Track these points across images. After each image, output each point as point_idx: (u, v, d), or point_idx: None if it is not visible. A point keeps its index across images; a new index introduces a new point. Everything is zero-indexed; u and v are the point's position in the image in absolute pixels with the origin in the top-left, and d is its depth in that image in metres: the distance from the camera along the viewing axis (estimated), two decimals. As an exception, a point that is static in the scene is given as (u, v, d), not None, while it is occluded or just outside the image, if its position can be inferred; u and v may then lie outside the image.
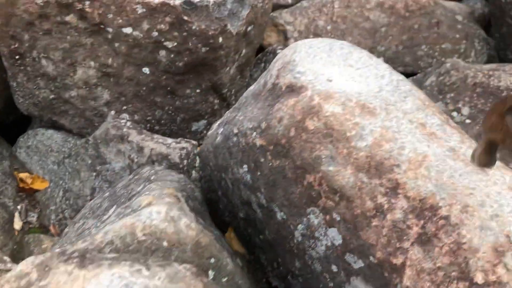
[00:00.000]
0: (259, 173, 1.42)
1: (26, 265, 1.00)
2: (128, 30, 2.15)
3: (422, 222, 1.09)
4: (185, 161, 2.20)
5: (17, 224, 2.35)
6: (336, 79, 1.41)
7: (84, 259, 0.99)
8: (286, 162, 1.33)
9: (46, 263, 0.99)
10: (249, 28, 2.43)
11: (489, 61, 3.12)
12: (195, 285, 0.97)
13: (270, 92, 1.46)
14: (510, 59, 2.86)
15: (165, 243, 1.10)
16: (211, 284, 1.02)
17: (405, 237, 1.09)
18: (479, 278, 0.98)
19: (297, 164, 1.30)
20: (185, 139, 2.23)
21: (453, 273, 1.01)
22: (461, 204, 1.07)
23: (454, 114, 2.45)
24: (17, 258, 2.11)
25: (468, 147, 1.27)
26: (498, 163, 1.26)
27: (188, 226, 1.14)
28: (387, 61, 2.93)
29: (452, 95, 2.47)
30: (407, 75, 2.99)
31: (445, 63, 2.55)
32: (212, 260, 1.16)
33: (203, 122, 2.54)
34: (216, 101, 2.52)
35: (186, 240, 1.12)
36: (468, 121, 2.42)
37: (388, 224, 1.12)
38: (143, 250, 1.08)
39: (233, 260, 1.27)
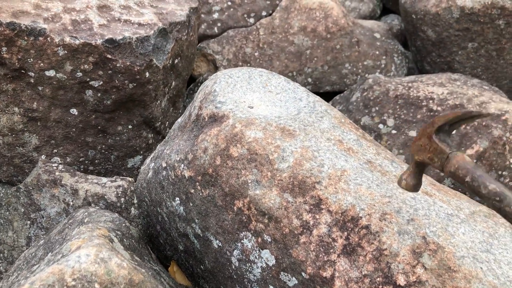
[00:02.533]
0: (191, 204, 1.44)
1: None
2: (51, 73, 2.13)
3: (345, 233, 1.13)
4: (122, 199, 2.18)
5: None
6: (257, 105, 1.46)
7: (10, 313, 0.96)
8: (215, 191, 1.35)
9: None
10: (176, 61, 2.47)
11: (409, 73, 3.32)
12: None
13: (195, 123, 1.49)
14: (427, 70, 3.05)
15: (96, 285, 1.08)
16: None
17: (331, 250, 1.13)
18: (401, 280, 1.03)
19: (226, 191, 1.32)
20: (120, 177, 2.21)
21: (378, 279, 1.06)
22: (379, 213, 1.13)
23: (381, 126, 2.58)
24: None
25: (383, 158, 1.35)
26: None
27: (119, 265, 1.13)
28: (314, 81, 3.05)
29: (376, 108, 2.60)
30: (335, 93, 3.12)
31: (367, 79, 2.69)
32: (147, 297, 1.15)
33: (138, 157, 2.52)
34: (150, 135, 2.51)
35: (119, 280, 1.11)
36: (394, 131, 2.55)
37: (315, 239, 1.16)
38: (74, 296, 1.06)
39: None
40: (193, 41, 2.65)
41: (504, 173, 2.38)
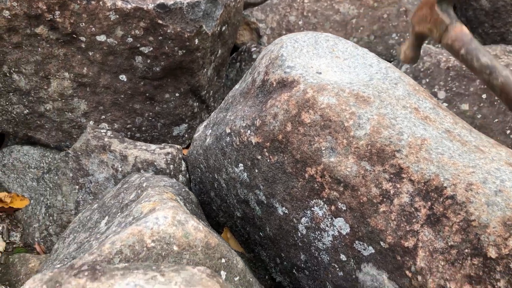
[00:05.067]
0: (256, 171, 1.42)
1: (34, 282, 0.96)
2: (102, 37, 2.11)
3: (429, 203, 1.10)
4: (171, 166, 2.17)
5: (0, 245, 2.27)
6: (325, 70, 1.41)
7: (95, 271, 0.96)
8: (285, 157, 1.32)
9: (56, 279, 0.95)
10: (223, 28, 2.42)
11: (456, 45, 3.21)
12: (212, 286, 0.95)
13: (260, 89, 1.46)
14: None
15: (175, 248, 1.07)
16: (226, 284, 1.01)
17: (414, 220, 1.11)
18: (492, 253, 1.00)
19: (297, 158, 1.30)
20: (169, 144, 2.20)
21: (466, 250, 1.03)
22: (465, 183, 1.10)
23: (430, 99, 2.51)
24: (3, 280, 2.04)
25: (461, 127, 1.30)
26: (492, 141, 1.30)
27: (196, 228, 1.12)
28: (359, 52, 2.98)
29: (427, 80, 2.52)
30: (380, 64, 3.04)
31: (417, 50, 2.60)
32: (223, 260, 1.14)
33: (184, 126, 2.51)
34: (196, 103, 2.49)
35: (196, 243, 1.10)
36: (445, 104, 2.48)
37: (396, 208, 1.13)
38: (154, 257, 1.05)
39: (242, 259, 1.26)
40: (240, 8, 2.59)
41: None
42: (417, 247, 1.08)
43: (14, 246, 2.29)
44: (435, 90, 2.50)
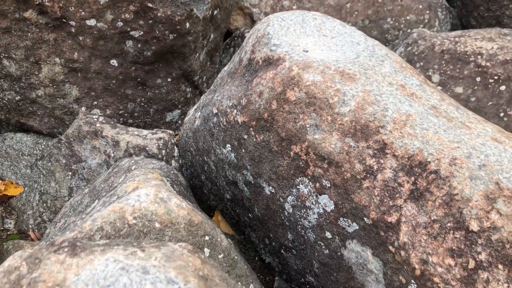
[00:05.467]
0: (243, 151, 1.41)
1: (14, 259, 0.96)
2: (92, 22, 2.09)
3: (413, 178, 1.09)
4: (164, 151, 2.17)
5: (-6, 233, 2.27)
6: (312, 49, 1.40)
7: (75, 247, 0.96)
8: (270, 136, 1.31)
9: (36, 255, 0.95)
10: (215, 12, 2.40)
11: (452, 29, 3.18)
12: (194, 262, 0.95)
13: (247, 68, 1.44)
14: (473, 26, 2.92)
15: (157, 225, 1.07)
16: (208, 261, 1.00)
17: (397, 195, 1.10)
18: (474, 226, 0.99)
19: (282, 136, 1.29)
20: (161, 129, 2.19)
21: (449, 224, 1.02)
22: (449, 158, 1.08)
23: (425, 82, 2.49)
24: (-3, 266, 2.04)
25: (448, 104, 1.28)
26: (479, 117, 1.28)
27: (179, 205, 1.11)
28: (354, 37, 2.95)
29: (421, 64, 2.50)
30: (375, 49, 3.02)
31: (412, 33, 2.59)
32: (207, 238, 1.14)
33: (177, 111, 2.50)
34: (189, 89, 2.48)
35: (179, 220, 1.09)
36: (439, 87, 2.46)
37: (379, 184, 1.12)
38: (135, 233, 1.05)
39: (226, 237, 1.25)
40: (232, -8, 2.57)
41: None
42: (400, 222, 1.07)
43: (8, 233, 2.30)
44: (429, 73, 2.48)
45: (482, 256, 0.96)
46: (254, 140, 1.35)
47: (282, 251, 1.46)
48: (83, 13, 2.07)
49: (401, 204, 1.08)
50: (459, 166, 1.07)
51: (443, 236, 1.00)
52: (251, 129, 1.35)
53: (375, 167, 1.13)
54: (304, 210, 1.28)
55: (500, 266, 0.94)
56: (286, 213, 1.35)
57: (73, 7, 2.05)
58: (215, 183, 1.70)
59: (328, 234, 1.24)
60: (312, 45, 1.42)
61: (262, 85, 1.32)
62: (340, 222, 1.20)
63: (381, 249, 1.11)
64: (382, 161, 1.13)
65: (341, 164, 1.18)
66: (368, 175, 1.14)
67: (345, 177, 1.17)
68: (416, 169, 1.09)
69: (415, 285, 1.04)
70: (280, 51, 1.35)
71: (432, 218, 1.04)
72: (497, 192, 1.01)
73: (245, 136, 1.38)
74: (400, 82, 1.28)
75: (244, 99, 1.37)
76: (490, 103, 2.34)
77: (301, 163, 1.26)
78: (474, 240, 0.98)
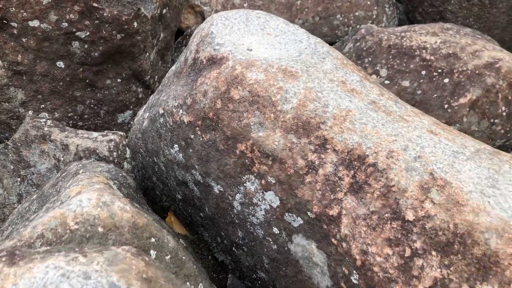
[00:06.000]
0: (190, 150, 1.41)
1: (-51, 272, 0.92)
2: (35, 23, 2.04)
3: (352, 172, 1.12)
4: (115, 153, 2.13)
5: None
6: (256, 47, 1.41)
7: (13, 256, 0.94)
8: (216, 135, 1.32)
9: (-28, 267, 0.92)
10: (164, 11, 2.38)
11: (400, 24, 3.27)
12: (137, 265, 0.94)
13: (192, 67, 1.44)
14: (419, 21, 3.02)
15: (100, 229, 1.06)
16: (153, 263, 1.00)
17: (338, 189, 1.12)
18: (410, 216, 1.03)
19: (228, 134, 1.30)
20: (112, 131, 2.16)
21: (386, 215, 1.05)
22: (386, 151, 1.12)
23: (373, 77, 2.55)
24: None
25: (387, 98, 1.32)
26: (417, 110, 1.33)
27: (122, 209, 1.10)
28: (305, 33, 2.99)
29: (370, 59, 2.57)
30: (326, 45, 3.07)
31: (360, 29, 2.64)
32: (153, 240, 1.14)
33: (128, 112, 2.47)
34: (140, 89, 2.45)
35: (122, 223, 1.08)
36: (386, 82, 2.52)
37: (321, 178, 1.15)
38: (78, 239, 1.04)
39: (174, 238, 1.25)
40: (181, -10, 2.55)
41: (496, 121, 2.39)
42: (341, 215, 1.10)
43: (-46, 243, 2.21)
44: (378, 68, 2.54)
45: (417, 244, 1.00)
46: (201, 139, 1.36)
47: (233, 248, 1.47)
48: (25, 14, 2.01)
49: (341, 197, 1.11)
50: (396, 159, 1.10)
51: (381, 226, 1.04)
52: (197, 128, 1.36)
53: (317, 162, 1.16)
54: (252, 207, 1.30)
55: (434, 253, 0.98)
56: (235, 211, 1.37)
57: (14, 8, 1.99)
58: (166, 184, 1.69)
59: (276, 230, 1.26)
60: (256, 44, 1.44)
61: (207, 85, 1.33)
62: (286, 217, 1.22)
63: (325, 242, 1.14)
64: (323, 156, 1.16)
65: (285, 160, 1.20)
66: (310, 170, 1.16)
67: (289, 173, 1.19)
68: (355, 162, 1.13)
69: (357, 275, 1.08)
70: (223, 50, 1.35)
71: (371, 210, 1.07)
72: (431, 182, 1.05)
73: (192, 136, 1.38)
74: (341, 79, 1.31)
75: (189, 98, 1.37)
76: (435, 95, 2.42)
77: (247, 161, 1.27)
78: (410, 229, 1.02)
